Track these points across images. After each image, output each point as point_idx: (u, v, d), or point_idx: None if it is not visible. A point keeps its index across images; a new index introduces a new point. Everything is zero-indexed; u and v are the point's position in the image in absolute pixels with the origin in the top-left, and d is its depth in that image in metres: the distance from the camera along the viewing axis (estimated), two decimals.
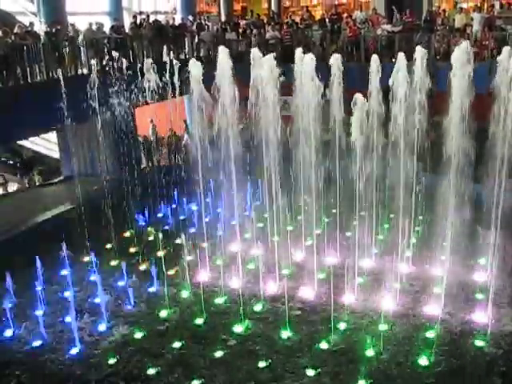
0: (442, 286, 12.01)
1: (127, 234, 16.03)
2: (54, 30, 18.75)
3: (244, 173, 14.93)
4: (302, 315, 12.00)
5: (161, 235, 14.57)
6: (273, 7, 36.01)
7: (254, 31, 23.75)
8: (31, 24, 18.88)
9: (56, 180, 20.53)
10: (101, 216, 15.07)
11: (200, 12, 31.44)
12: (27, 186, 22.28)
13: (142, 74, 16.23)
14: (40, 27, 19.74)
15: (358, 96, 12.49)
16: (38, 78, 17.31)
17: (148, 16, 23.43)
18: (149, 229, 16.02)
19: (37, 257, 12.83)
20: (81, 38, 19.09)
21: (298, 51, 13.77)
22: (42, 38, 18.25)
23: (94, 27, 19.96)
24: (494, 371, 9.98)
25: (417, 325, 11.47)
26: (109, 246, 15.23)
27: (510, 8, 22.90)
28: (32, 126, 16.73)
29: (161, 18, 25.63)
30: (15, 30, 17.58)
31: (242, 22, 26.32)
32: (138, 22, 22.60)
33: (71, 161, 18.86)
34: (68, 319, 11.78)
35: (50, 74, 17.55)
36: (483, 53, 19.18)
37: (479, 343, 10.77)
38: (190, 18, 26.27)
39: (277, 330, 11.39)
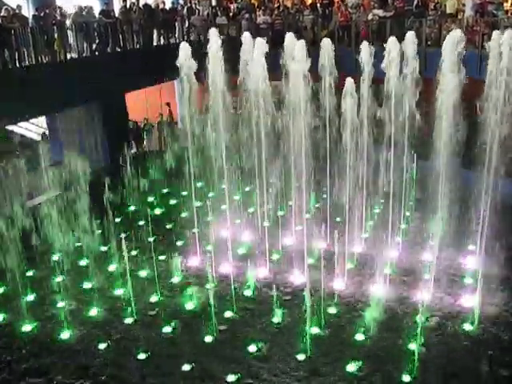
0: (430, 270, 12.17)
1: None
2: (42, 14, 18.50)
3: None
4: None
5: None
6: None
7: (246, 16, 23.58)
8: (18, 7, 18.60)
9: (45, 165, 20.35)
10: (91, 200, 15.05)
11: None
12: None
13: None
14: (28, 10, 19.51)
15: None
16: (27, 61, 17.09)
17: (138, 0, 23.17)
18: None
19: None
20: (70, 21, 18.87)
21: (289, 36, 13.70)
22: (29, 21, 18.02)
23: (84, 11, 19.73)
24: (482, 354, 10.11)
25: (405, 309, 11.57)
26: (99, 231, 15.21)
27: None
28: (22, 111, 16.58)
29: (151, 1, 25.35)
30: (2, 13, 17.32)
31: (233, 6, 26.11)
32: (128, 6, 22.34)
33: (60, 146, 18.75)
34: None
35: (39, 58, 17.36)
36: (474, 38, 19.14)
37: (467, 327, 10.91)
38: (181, 1, 26.03)
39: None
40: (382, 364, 10.01)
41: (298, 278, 12.76)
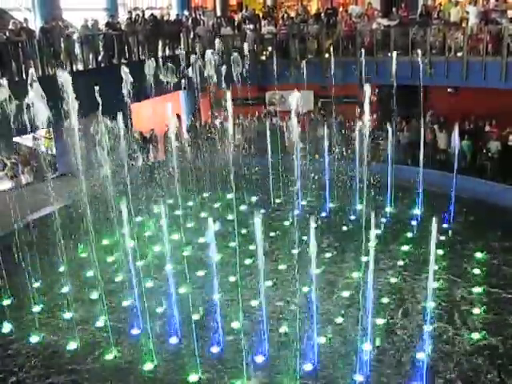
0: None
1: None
2: (49, 27, 18.66)
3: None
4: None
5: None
6: (268, 2, 35.77)
7: (250, 26, 23.69)
8: (26, 20, 18.77)
9: (52, 177, 20.42)
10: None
11: (195, 7, 31.32)
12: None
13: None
14: (35, 23, 19.69)
15: None
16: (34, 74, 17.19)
17: (143, 11, 23.37)
18: None
19: None
20: (76, 35, 19.03)
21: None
22: (36, 34, 18.18)
23: (90, 23, 19.90)
24: (491, 364, 10.05)
25: (413, 318, 11.52)
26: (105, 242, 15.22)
27: (506, 1, 22.82)
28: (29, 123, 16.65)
29: (156, 13, 25.56)
30: (9, 27, 17.49)
31: (238, 16, 26.24)
32: (133, 17, 22.50)
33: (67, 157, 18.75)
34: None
35: (46, 71, 17.48)
36: (479, 46, 19.14)
37: (476, 336, 10.84)
38: (186, 13, 26.20)
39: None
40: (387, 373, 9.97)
41: None
